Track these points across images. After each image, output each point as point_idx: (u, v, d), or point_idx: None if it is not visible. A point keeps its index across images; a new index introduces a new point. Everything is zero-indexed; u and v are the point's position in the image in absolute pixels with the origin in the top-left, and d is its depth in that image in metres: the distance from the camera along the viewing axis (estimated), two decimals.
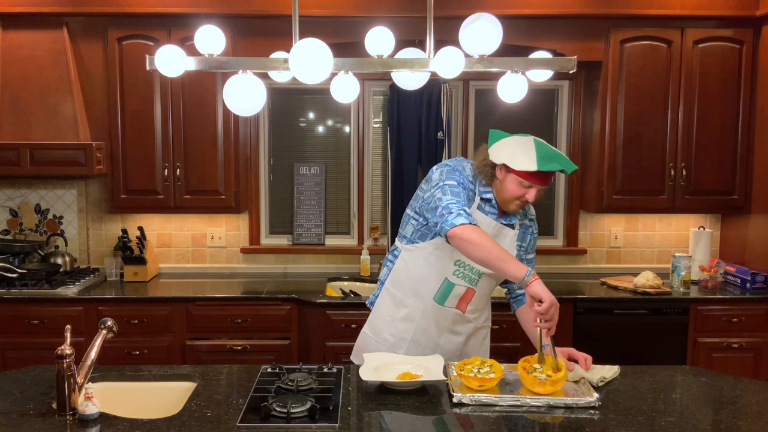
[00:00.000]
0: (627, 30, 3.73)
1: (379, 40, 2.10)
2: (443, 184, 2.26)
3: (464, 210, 2.17)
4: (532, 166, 2.18)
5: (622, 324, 3.58)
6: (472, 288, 2.34)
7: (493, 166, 2.28)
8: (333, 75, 2.14)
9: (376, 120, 4.19)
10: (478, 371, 2.05)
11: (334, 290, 3.86)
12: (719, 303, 3.61)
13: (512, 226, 2.36)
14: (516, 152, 2.22)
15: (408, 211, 2.43)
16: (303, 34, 1.98)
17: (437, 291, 2.35)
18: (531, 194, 2.23)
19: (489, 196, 2.31)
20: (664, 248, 4.22)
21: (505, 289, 2.55)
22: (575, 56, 2.13)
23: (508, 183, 2.25)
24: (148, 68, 2.05)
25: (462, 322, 2.40)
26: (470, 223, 2.12)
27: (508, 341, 3.47)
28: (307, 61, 1.82)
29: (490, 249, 2.08)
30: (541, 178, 2.21)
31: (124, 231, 3.87)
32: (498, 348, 3.42)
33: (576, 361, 2.22)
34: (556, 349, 2.20)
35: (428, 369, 2.14)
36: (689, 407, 1.98)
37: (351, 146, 4.19)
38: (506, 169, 2.24)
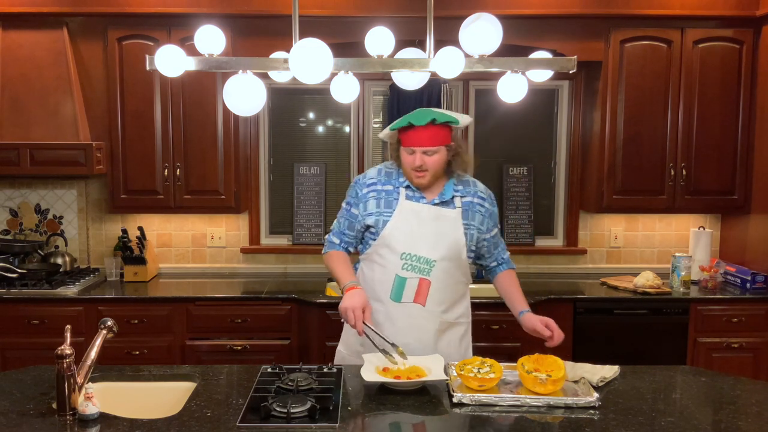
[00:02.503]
0: (627, 30, 3.73)
1: (379, 40, 2.10)
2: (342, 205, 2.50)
3: (328, 240, 2.49)
4: (392, 129, 2.35)
5: (622, 324, 3.58)
6: (425, 278, 2.33)
7: (397, 143, 2.36)
8: (333, 75, 2.14)
9: (376, 120, 4.19)
10: (478, 371, 2.05)
11: (334, 290, 3.86)
12: (719, 303, 3.61)
13: (450, 205, 2.36)
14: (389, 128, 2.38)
15: None
16: (303, 34, 1.98)
17: (391, 289, 2.35)
18: (417, 158, 2.27)
19: (407, 182, 2.37)
20: (664, 248, 4.22)
21: (481, 267, 2.61)
22: (575, 56, 2.13)
23: (401, 155, 2.34)
24: (148, 68, 2.05)
25: (427, 317, 2.36)
26: (325, 253, 2.49)
27: (508, 341, 3.47)
28: (307, 61, 1.82)
29: (332, 272, 2.41)
30: (415, 138, 2.26)
31: (124, 231, 3.87)
32: (498, 348, 3.44)
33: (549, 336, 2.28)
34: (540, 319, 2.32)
35: (429, 369, 2.14)
36: (689, 407, 1.98)
37: (351, 146, 4.19)
38: (397, 138, 2.35)
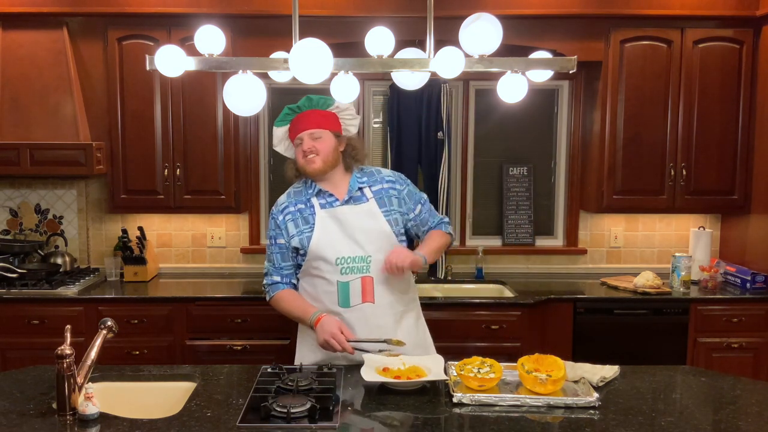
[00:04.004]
0: (627, 30, 3.73)
1: (379, 40, 2.09)
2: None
3: (268, 283, 2.46)
4: (277, 126, 2.44)
5: (622, 324, 3.58)
6: (366, 276, 2.34)
7: (292, 161, 2.45)
8: (333, 75, 2.14)
9: (376, 120, 4.19)
10: (478, 371, 2.05)
11: None
12: (719, 303, 3.61)
13: (362, 199, 2.40)
14: (274, 128, 2.48)
15: None
16: (303, 34, 1.97)
17: (337, 297, 2.35)
18: (305, 143, 2.35)
19: (317, 188, 2.40)
20: (664, 248, 4.22)
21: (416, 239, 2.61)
22: (575, 56, 2.13)
23: (295, 155, 2.42)
24: (148, 68, 2.05)
25: (382, 313, 2.37)
26: (270, 299, 2.46)
27: (508, 341, 3.47)
28: (307, 61, 1.82)
29: (289, 313, 2.41)
30: (299, 125, 2.36)
31: (124, 231, 3.87)
32: (498, 348, 3.44)
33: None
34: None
35: (429, 369, 2.14)
36: (689, 407, 1.98)
37: None
38: (293, 146, 2.44)
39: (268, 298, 2.48)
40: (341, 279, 2.34)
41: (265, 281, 2.49)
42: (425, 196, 2.57)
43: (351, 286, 2.34)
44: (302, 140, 2.36)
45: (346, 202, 2.39)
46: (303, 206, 2.41)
